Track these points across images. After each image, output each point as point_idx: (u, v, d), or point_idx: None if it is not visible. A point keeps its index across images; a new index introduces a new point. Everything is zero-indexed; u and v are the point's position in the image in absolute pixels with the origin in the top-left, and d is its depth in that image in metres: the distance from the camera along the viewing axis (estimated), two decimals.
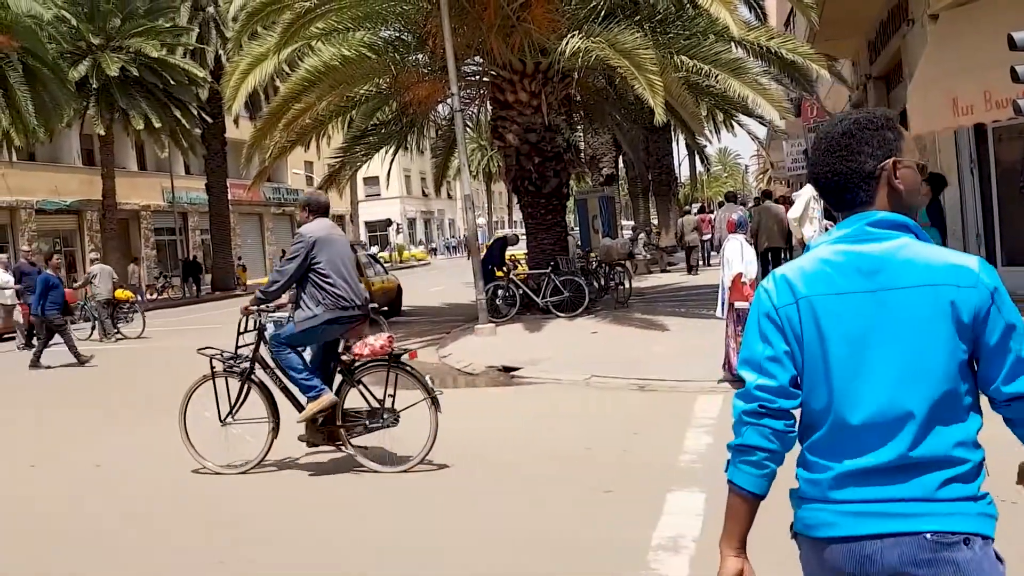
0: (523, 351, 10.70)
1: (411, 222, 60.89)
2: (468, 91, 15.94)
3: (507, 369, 9.79)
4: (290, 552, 4.49)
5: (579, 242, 18.33)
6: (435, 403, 5.73)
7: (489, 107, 15.40)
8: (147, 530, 5.03)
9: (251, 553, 4.54)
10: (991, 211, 11.25)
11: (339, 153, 16.53)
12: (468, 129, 22.47)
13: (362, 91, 14.46)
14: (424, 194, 58.60)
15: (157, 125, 26.53)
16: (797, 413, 1.83)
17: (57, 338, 12.47)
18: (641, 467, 5.62)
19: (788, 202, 15.37)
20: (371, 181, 52.05)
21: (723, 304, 7.95)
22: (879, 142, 1.80)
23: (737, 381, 6.15)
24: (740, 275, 7.62)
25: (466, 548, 4.39)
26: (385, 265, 22.01)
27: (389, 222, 51.31)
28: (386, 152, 17.28)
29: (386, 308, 18.50)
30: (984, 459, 1.77)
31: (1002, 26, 7.59)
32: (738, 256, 7.68)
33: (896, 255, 1.74)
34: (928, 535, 1.66)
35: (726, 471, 1.86)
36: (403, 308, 18.39)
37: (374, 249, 33.21)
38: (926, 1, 11.29)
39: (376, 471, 5.80)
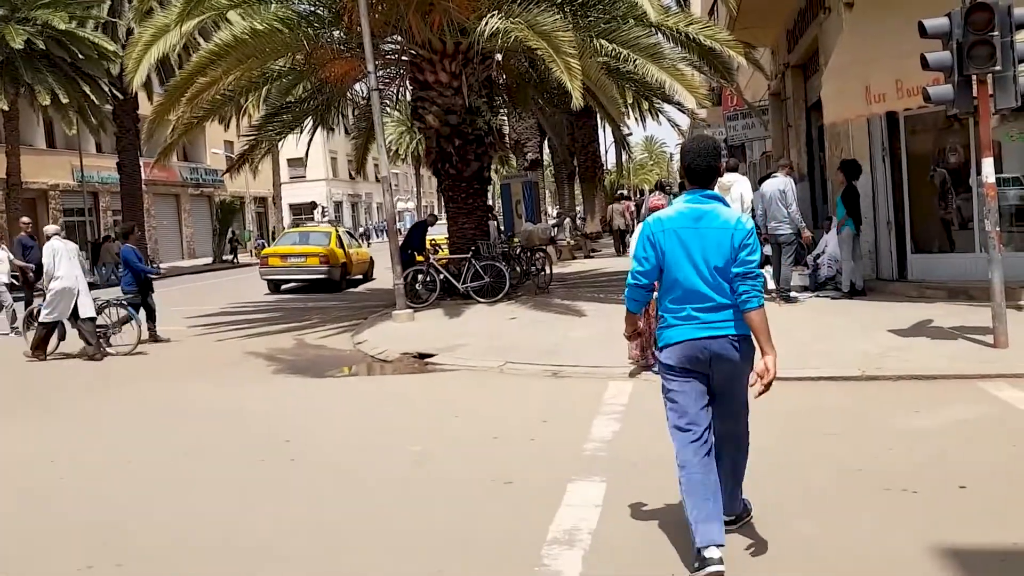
0: (440, 337, 10.48)
1: (337, 205, 59.78)
2: (387, 70, 15.51)
3: (422, 356, 9.55)
4: (163, 553, 4.20)
5: (501, 227, 18.14)
6: None
7: (409, 87, 15.03)
8: None
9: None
10: (902, 199, 11.46)
11: (253, 131, 15.94)
12: (396, 111, 22.06)
13: (276, 67, 13.92)
14: (351, 177, 57.47)
15: (65, 101, 25.23)
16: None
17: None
18: (545, 456, 5.47)
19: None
20: (296, 163, 50.88)
21: None
22: (720, 153, 3.84)
23: (642, 368, 6.33)
24: None
25: (348, 546, 4.15)
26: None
27: (314, 205, 50.30)
28: (301, 132, 16.75)
29: (361, 276, 21.06)
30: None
31: (916, 15, 7.64)
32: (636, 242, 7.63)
33: (710, 212, 3.65)
34: (730, 336, 3.60)
35: (628, 307, 3.92)
36: (325, 292, 19.12)
37: None
38: None
39: None
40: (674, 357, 3.64)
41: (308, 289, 19.49)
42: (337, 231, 20.80)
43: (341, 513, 4.62)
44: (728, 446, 3.76)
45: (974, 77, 7.26)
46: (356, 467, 5.49)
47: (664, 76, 11.57)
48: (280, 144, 17.52)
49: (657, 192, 18.08)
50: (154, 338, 11.75)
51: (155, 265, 30.97)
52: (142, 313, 11.47)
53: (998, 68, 7.06)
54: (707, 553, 3.38)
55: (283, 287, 19.77)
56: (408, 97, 15.79)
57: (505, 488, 4.85)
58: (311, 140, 18.10)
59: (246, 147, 15.76)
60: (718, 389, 3.67)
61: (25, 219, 15.68)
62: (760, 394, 3.55)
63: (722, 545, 3.42)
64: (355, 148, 18.84)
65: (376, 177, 63.05)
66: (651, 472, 4.81)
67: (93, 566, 4.09)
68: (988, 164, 7.47)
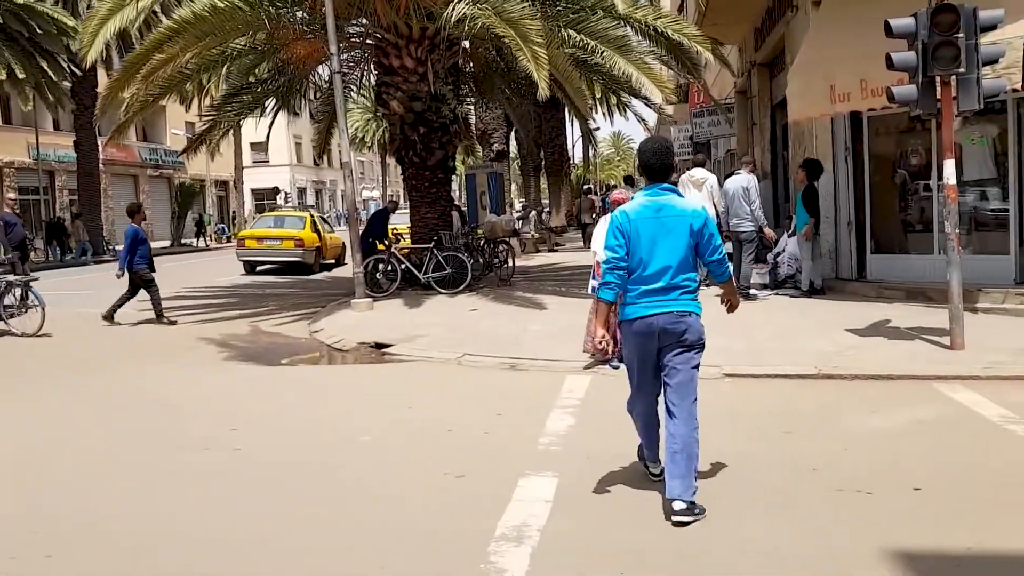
0: (399, 327, 10.32)
1: (301, 191, 58.99)
2: (352, 53, 15.21)
3: (379, 346, 9.39)
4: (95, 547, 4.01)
5: (466, 217, 17.97)
6: None
7: (374, 72, 14.76)
8: None
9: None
10: (863, 200, 11.51)
11: (212, 111, 15.55)
12: (363, 96, 21.73)
13: (236, 46, 13.57)
14: (316, 163, 56.73)
15: (21, 76, 24.53)
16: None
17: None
18: (499, 450, 5.35)
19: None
20: (259, 147, 50.04)
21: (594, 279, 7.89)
22: (673, 151, 4.41)
23: (597, 363, 7.65)
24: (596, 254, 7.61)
25: (289, 538, 4.00)
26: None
27: (276, 190, 49.56)
28: (261, 114, 16.38)
29: (334, 260, 21.80)
30: (699, 286, 4.24)
31: (882, 15, 7.61)
32: (599, 236, 7.60)
33: (668, 203, 4.18)
34: (675, 312, 4.09)
35: (597, 293, 4.35)
36: (285, 279, 19.31)
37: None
38: None
39: None
40: (630, 330, 4.22)
41: (282, 271, 20.14)
42: (312, 216, 21.83)
43: (283, 504, 4.46)
44: (679, 421, 4.12)
45: (938, 78, 7.26)
46: (302, 458, 5.33)
47: (631, 69, 11.49)
48: (242, 125, 17.19)
49: (623, 186, 18.09)
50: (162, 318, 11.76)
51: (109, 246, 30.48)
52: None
53: (962, 70, 7.06)
54: (675, 506, 3.94)
55: (258, 268, 20.53)
56: (373, 82, 15.53)
57: (456, 482, 4.72)
58: (272, 123, 17.74)
59: (204, 127, 15.37)
60: (665, 359, 4.18)
61: (11, 195, 15.20)
62: (730, 310, 4.46)
63: (685, 499, 3.94)
64: (317, 133, 18.49)
65: (340, 163, 62.45)
66: (603, 468, 4.71)
67: (17, 557, 3.89)
68: (949, 166, 7.48)
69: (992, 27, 7.24)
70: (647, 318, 4.11)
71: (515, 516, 4.10)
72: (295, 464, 5.19)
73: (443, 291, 13.34)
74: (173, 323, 11.67)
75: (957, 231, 7.53)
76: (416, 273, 13.73)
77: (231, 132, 37.97)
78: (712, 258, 4.19)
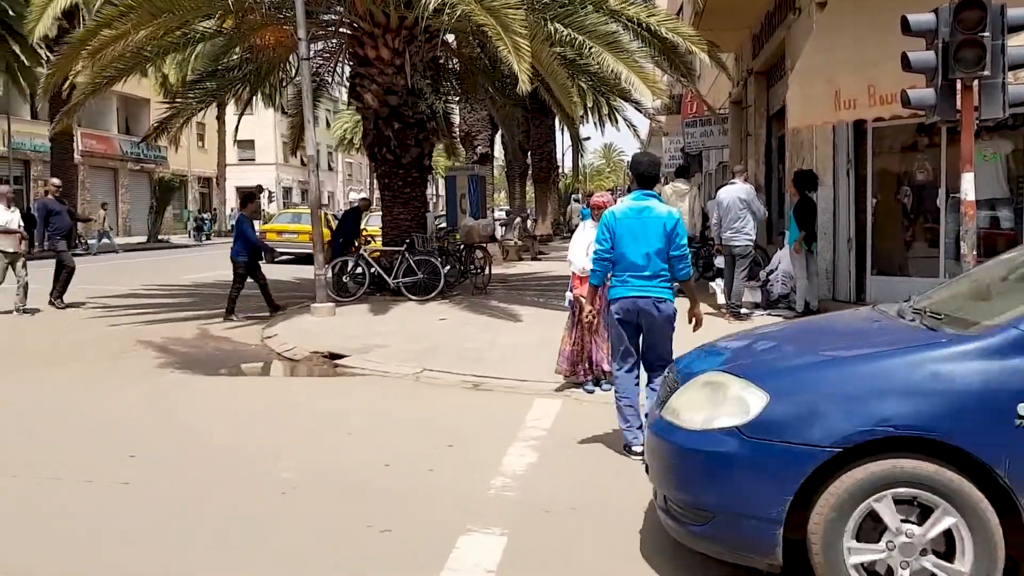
0: (359, 336, 9.47)
1: (287, 191, 57.97)
2: (328, 43, 14.37)
3: (333, 356, 8.54)
4: None
5: (436, 220, 17.15)
6: None
7: (349, 63, 13.89)
8: None
9: None
10: (864, 217, 10.73)
11: (174, 99, 14.63)
12: (351, 98, 20.95)
13: (201, 28, 12.68)
14: (303, 163, 55.81)
15: None
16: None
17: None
18: (441, 494, 4.49)
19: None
20: (246, 145, 49.19)
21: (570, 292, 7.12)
22: (659, 166, 6.05)
23: (572, 384, 7.03)
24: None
25: None
26: None
27: (260, 188, 48.52)
28: (222, 104, 15.47)
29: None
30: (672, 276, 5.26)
31: (893, 16, 6.80)
32: (574, 245, 6.96)
33: (649, 207, 5.20)
34: (652, 297, 5.10)
35: (589, 279, 5.45)
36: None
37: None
38: None
39: None
40: (616, 308, 5.13)
41: (296, 262, 21.35)
42: (326, 214, 22.86)
43: (152, 558, 3.59)
44: (657, 375, 4.97)
45: (959, 82, 6.46)
46: (201, 494, 4.45)
47: (621, 67, 10.69)
48: (235, 118, 16.41)
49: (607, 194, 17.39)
50: (276, 308, 11.53)
51: (81, 240, 29.43)
52: None
53: (986, 73, 6.24)
54: (635, 448, 5.00)
55: (276, 258, 21.96)
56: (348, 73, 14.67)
57: (379, 539, 3.85)
58: (242, 113, 16.86)
59: (165, 115, 14.43)
60: (646, 332, 5.12)
61: (55, 180, 14.05)
62: (695, 329, 5.14)
63: (643, 444, 4.64)
64: (291, 127, 17.58)
65: (329, 165, 61.46)
66: (563, 524, 3.89)
67: None
68: (968, 180, 6.66)
69: (1021, 27, 6.44)
70: (629, 299, 5.05)
71: None
72: (188, 502, 4.32)
73: (413, 298, 12.50)
74: (281, 309, 11.57)
75: (974, 252, 6.73)
76: (386, 277, 12.88)
77: (218, 127, 37.34)
78: (675, 253, 5.06)
